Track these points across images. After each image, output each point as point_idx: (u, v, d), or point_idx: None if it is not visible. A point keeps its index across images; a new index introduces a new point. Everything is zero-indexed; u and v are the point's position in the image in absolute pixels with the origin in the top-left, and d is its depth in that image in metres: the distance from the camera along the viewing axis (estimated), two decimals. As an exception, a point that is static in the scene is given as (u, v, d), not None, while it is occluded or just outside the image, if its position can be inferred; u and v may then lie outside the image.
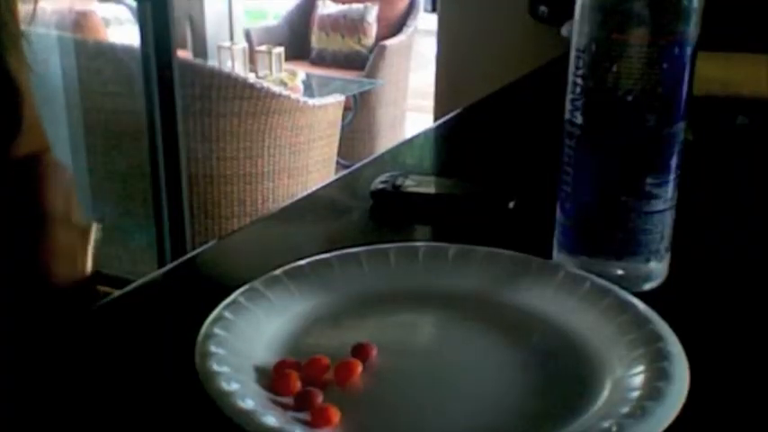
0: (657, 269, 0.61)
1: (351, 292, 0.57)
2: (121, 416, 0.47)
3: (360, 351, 0.50)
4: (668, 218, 0.59)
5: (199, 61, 3.55)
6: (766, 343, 0.56)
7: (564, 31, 1.43)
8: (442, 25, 1.99)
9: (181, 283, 0.66)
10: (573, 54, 0.57)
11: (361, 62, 4.30)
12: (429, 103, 2.03)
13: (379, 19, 4.44)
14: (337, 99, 2.94)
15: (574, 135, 0.58)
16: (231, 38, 4.34)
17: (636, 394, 0.45)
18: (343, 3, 4.54)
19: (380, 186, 0.78)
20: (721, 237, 0.73)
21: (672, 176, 0.58)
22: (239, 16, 4.62)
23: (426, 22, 4.35)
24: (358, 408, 0.47)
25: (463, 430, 0.45)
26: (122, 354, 0.54)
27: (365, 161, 0.98)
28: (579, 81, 0.57)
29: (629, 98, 0.55)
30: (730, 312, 0.60)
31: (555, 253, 0.63)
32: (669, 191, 0.58)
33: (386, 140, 4.02)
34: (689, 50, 0.55)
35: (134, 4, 2.27)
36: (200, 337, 0.48)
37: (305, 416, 0.44)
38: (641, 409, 0.43)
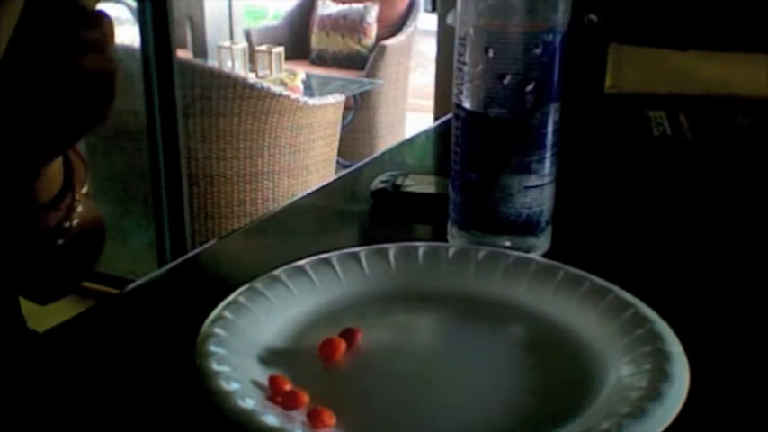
0: (541, 241, 0.65)
1: (351, 292, 0.57)
2: (121, 415, 0.47)
3: (347, 334, 0.52)
4: (548, 192, 0.64)
5: (199, 61, 3.55)
6: (766, 343, 0.56)
7: (449, 19, 1.45)
8: (442, 25, 1.99)
9: (181, 283, 0.65)
10: (456, 41, 0.62)
11: (361, 62, 4.29)
12: (429, 103, 2.03)
13: (379, 19, 4.44)
14: (337, 99, 2.94)
15: (460, 117, 0.63)
16: (231, 38, 4.34)
17: (636, 394, 0.45)
18: (344, 3, 4.54)
19: (380, 186, 0.78)
20: (722, 237, 0.73)
21: (548, 153, 0.62)
22: (239, 16, 4.61)
23: (426, 22, 4.35)
24: (357, 407, 0.47)
25: (463, 430, 0.45)
26: (122, 353, 0.54)
27: (365, 161, 0.98)
28: (462, 66, 0.61)
29: (506, 81, 0.60)
30: (730, 312, 0.60)
31: (449, 228, 0.67)
32: (547, 167, 0.63)
33: (386, 140, 4.02)
34: (559, 37, 0.60)
35: (134, 4, 2.27)
36: (199, 337, 0.48)
37: (302, 416, 0.44)
38: (641, 409, 0.43)
